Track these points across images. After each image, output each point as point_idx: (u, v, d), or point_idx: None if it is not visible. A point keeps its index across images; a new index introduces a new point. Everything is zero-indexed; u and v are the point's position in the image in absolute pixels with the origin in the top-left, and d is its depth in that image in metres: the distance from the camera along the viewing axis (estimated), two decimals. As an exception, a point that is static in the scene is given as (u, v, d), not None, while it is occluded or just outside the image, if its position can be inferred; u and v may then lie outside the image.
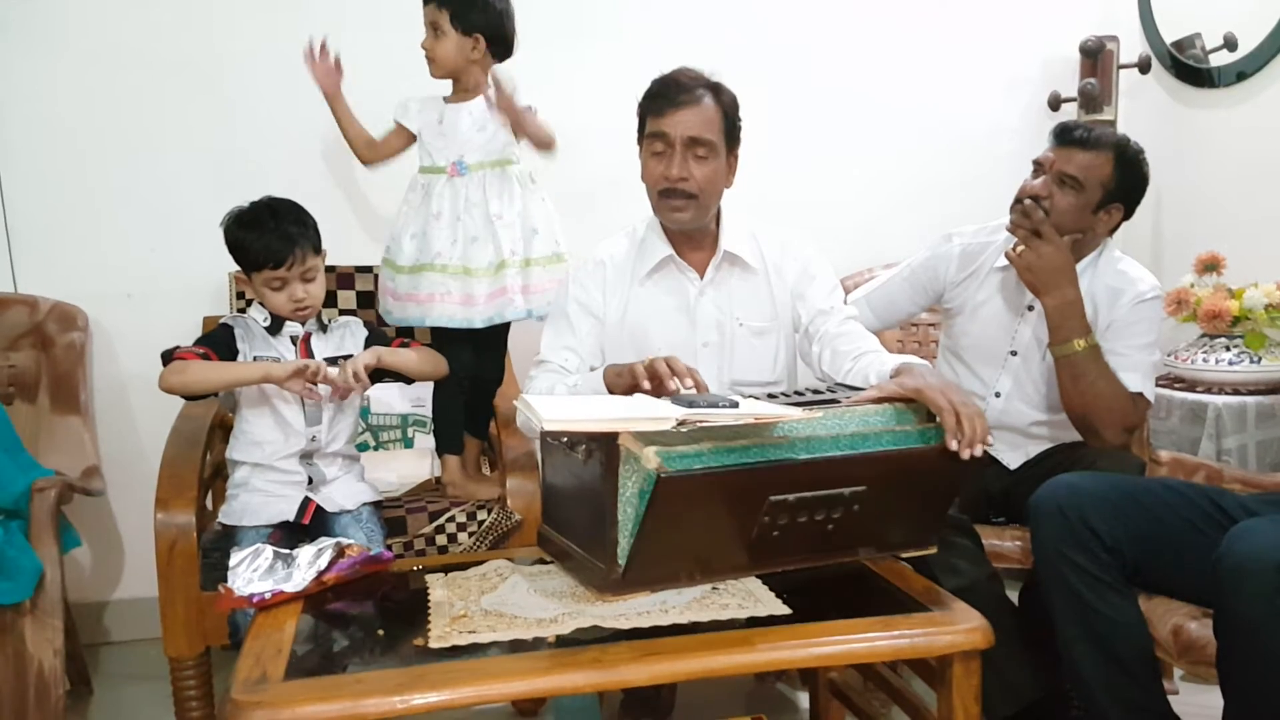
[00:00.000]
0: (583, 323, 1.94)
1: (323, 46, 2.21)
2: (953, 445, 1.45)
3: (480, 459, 2.37)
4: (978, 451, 1.46)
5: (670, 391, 1.54)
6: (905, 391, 1.53)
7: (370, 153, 2.26)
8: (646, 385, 1.57)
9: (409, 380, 2.03)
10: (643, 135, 1.89)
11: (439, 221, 2.14)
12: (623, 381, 1.66)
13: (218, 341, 1.87)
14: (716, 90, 1.85)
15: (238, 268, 1.90)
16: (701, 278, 1.94)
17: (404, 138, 2.24)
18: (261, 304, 1.92)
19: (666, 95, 1.83)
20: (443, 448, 2.26)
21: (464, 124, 2.16)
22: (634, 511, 1.33)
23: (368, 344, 1.98)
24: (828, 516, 1.43)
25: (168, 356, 1.84)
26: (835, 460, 1.41)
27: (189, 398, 1.90)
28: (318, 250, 1.90)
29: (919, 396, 1.51)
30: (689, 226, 1.89)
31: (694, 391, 1.55)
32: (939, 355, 2.29)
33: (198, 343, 1.87)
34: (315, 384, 1.82)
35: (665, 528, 1.33)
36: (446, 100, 2.21)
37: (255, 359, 1.87)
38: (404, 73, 2.67)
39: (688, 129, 1.81)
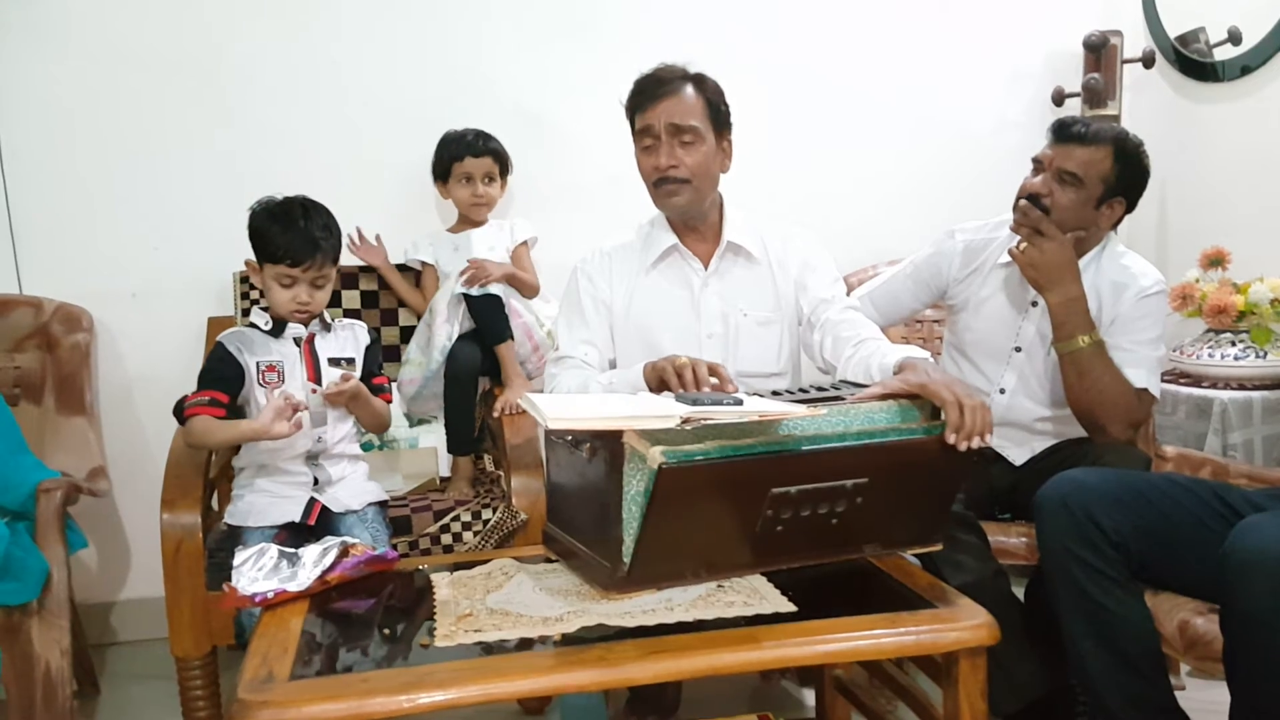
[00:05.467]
0: (595, 315, 1.95)
1: (360, 234, 2.52)
2: (951, 438, 1.45)
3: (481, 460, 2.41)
4: (975, 443, 1.45)
5: None
6: (909, 387, 1.53)
7: (423, 301, 2.48)
8: (674, 383, 1.55)
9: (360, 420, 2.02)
10: (634, 134, 1.93)
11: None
12: (655, 378, 1.66)
13: (217, 377, 1.87)
14: (695, 79, 1.89)
15: (243, 267, 1.91)
16: (706, 268, 1.95)
17: (430, 272, 2.51)
18: (265, 306, 1.92)
19: (646, 91, 1.88)
20: (454, 448, 2.31)
21: (478, 247, 2.44)
22: (639, 510, 1.33)
23: (369, 351, 2.00)
24: (831, 510, 1.42)
25: (179, 410, 1.86)
26: (837, 451, 1.40)
27: None
28: (335, 261, 1.91)
29: (923, 392, 1.50)
30: (688, 212, 1.92)
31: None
32: (944, 351, 2.29)
33: (201, 383, 1.88)
34: (294, 414, 1.81)
35: (668, 521, 1.32)
36: (451, 231, 2.53)
37: (258, 364, 1.88)
38: (401, 69, 2.68)
39: (669, 117, 1.85)
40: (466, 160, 2.44)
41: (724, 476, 1.34)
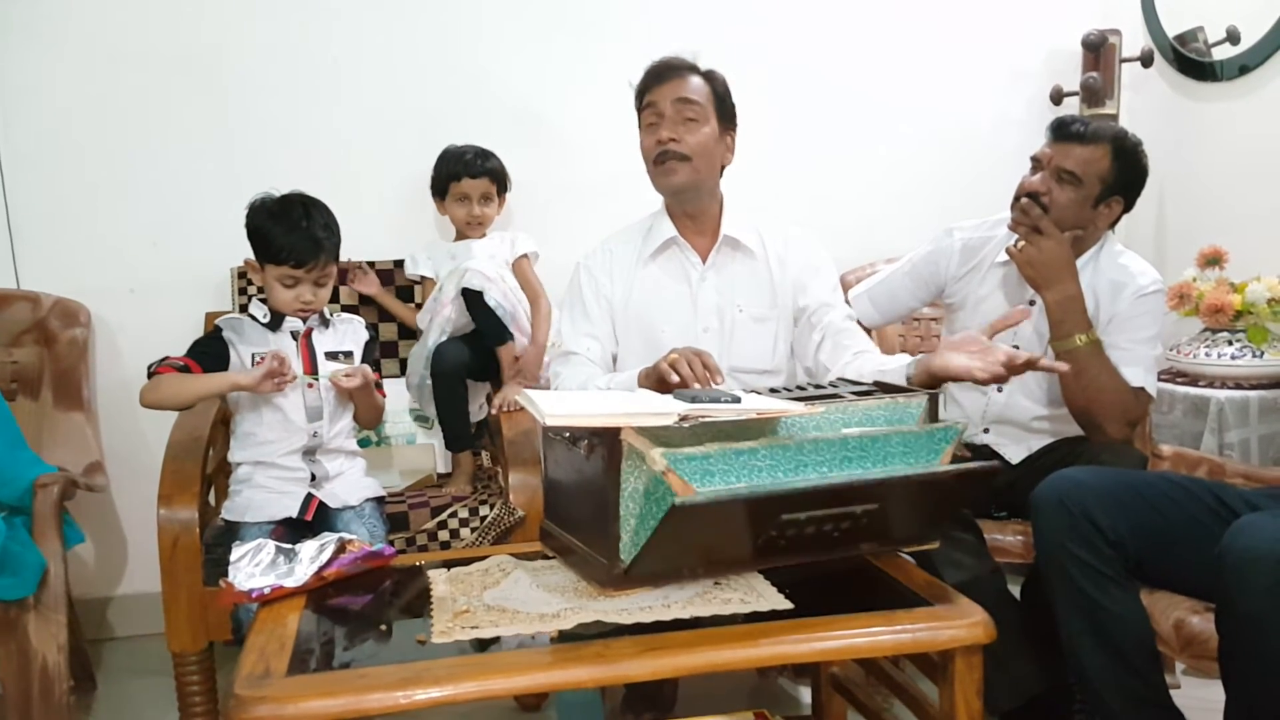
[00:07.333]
0: (597, 309, 1.97)
1: (350, 269, 2.48)
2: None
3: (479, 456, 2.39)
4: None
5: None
6: (934, 368, 1.64)
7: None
8: (675, 379, 1.59)
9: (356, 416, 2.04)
10: (640, 115, 1.95)
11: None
12: (650, 380, 1.67)
13: (203, 352, 1.87)
14: (704, 71, 1.93)
15: (240, 263, 1.90)
16: (704, 262, 1.96)
17: (430, 285, 2.47)
18: (263, 298, 1.91)
19: (655, 73, 1.92)
20: (450, 445, 2.30)
21: (478, 256, 2.39)
22: (636, 507, 1.33)
23: (367, 347, 2.00)
24: (836, 526, 1.41)
25: (152, 371, 1.84)
26: (855, 485, 1.36)
27: (176, 409, 1.91)
28: (336, 258, 1.91)
29: (944, 373, 1.62)
30: (685, 193, 1.92)
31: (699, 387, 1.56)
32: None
33: (188, 352, 1.87)
34: (285, 375, 1.82)
35: (675, 542, 1.32)
36: (452, 242, 2.51)
37: (254, 356, 1.87)
38: (401, 68, 2.68)
39: (675, 93, 1.88)
40: (464, 181, 2.44)
41: (738, 509, 1.32)
